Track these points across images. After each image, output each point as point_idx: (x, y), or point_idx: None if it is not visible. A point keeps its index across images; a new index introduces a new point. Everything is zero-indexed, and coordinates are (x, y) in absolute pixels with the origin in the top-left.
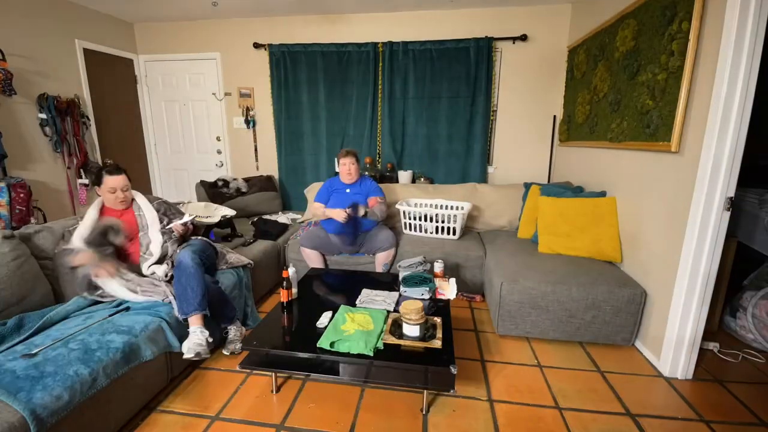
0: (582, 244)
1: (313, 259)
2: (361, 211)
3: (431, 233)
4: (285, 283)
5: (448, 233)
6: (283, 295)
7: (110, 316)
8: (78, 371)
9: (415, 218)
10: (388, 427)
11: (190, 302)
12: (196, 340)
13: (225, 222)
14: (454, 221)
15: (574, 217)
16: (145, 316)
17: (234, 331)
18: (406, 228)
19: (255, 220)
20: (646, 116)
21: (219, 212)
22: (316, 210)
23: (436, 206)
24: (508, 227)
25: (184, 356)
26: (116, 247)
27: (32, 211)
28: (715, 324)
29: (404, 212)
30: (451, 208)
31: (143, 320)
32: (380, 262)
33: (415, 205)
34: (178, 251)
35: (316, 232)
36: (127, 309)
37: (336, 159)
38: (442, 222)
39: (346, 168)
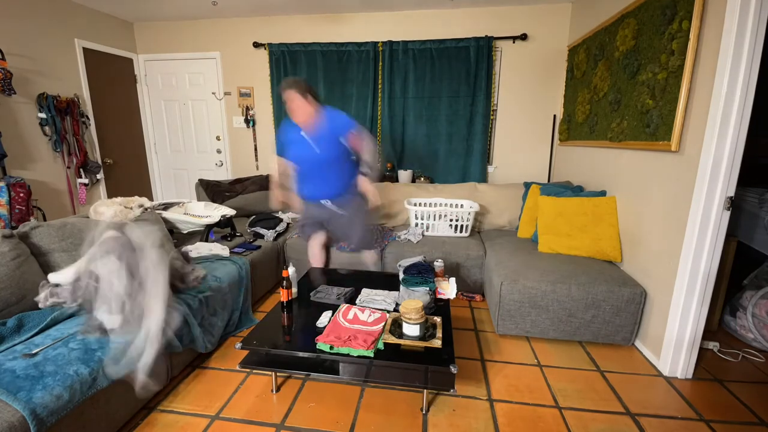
0: (582, 243)
1: (316, 255)
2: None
3: (441, 233)
4: (285, 282)
5: (459, 231)
6: (283, 295)
7: None
8: (78, 371)
9: (425, 218)
10: (388, 427)
11: None
12: None
13: (225, 221)
14: (466, 219)
15: (574, 216)
16: None
17: None
18: (417, 228)
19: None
20: (646, 116)
21: (219, 212)
22: (278, 172)
23: (451, 205)
24: (508, 227)
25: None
26: None
27: (32, 211)
28: (715, 323)
29: (416, 213)
30: (458, 206)
31: None
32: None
33: (426, 204)
34: None
35: (309, 214)
36: None
37: None
38: (456, 220)
39: (288, 108)
